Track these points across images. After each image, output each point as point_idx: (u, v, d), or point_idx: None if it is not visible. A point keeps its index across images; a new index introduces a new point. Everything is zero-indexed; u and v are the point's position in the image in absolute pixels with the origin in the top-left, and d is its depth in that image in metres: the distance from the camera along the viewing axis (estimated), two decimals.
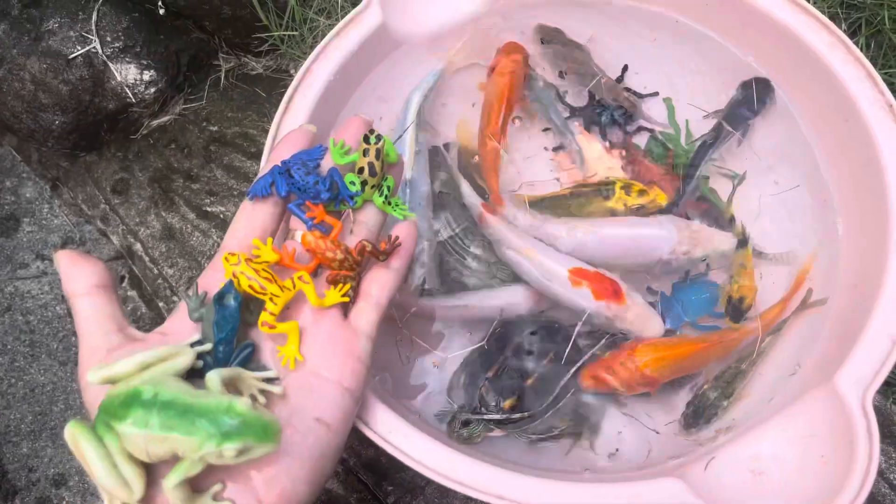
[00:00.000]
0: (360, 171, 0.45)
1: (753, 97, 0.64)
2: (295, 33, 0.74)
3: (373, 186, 0.45)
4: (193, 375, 0.39)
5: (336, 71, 0.60)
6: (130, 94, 0.73)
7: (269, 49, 0.76)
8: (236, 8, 0.72)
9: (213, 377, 0.37)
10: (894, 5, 0.78)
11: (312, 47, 0.59)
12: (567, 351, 0.58)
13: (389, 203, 0.47)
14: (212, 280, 0.43)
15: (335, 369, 0.42)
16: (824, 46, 0.59)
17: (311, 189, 0.44)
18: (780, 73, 0.64)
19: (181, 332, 0.41)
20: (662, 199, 0.62)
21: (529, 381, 0.57)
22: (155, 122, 0.78)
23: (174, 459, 0.35)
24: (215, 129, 0.79)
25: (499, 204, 0.62)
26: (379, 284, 0.45)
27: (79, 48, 0.72)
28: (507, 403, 0.56)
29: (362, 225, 0.46)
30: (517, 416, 0.56)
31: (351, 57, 0.61)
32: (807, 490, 0.48)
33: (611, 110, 0.67)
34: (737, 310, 0.59)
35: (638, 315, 0.58)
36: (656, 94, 0.68)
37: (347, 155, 0.46)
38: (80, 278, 0.41)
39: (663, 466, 0.53)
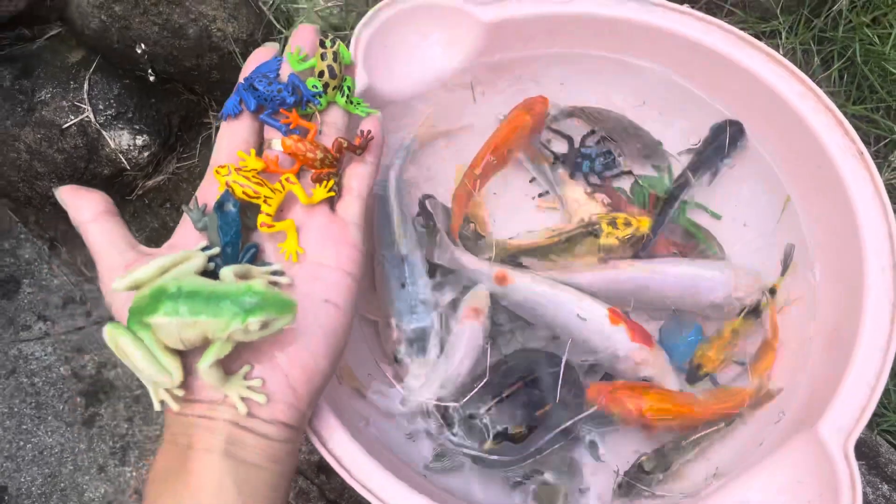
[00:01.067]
0: (321, 74, 0.47)
1: (725, 139, 0.66)
2: None
3: (334, 88, 0.48)
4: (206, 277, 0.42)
5: None
6: (124, 160, 0.75)
7: None
8: (225, 72, 0.74)
9: (227, 272, 0.41)
10: (865, 38, 0.81)
11: None
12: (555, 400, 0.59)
13: (352, 102, 0.50)
14: (208, 193, 0.46)
15: (333, 256, 0.45)
16: (795, 96, 0.61)
17: (276, 97, 0.47)
18: (753, 122, 0.66)
19: (188, 243, 0.45)
20: (646, 225, 0.64)
21: (518, 429, 0.58)
22: (149, 183, 0.80)
23: (205, 345, 0.39)
24: None
25: (454, 232, 0.65)
26: (358, 178, 0.49)
27: (72, 118, 0.73)
28: (487, 444, 0.57)
29: (331, 125, 0.49)
30: (494, 458, 0.57)
31: None
32: None
33: (592, 158, 0.69)
34: (692, 374, 0.61)
35: (662, 366, 0.60)
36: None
37: (305, 61, 0.49)
38: (86, 207, 0.44)
39: None
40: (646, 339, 0.60)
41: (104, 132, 0.74)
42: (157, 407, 0.41)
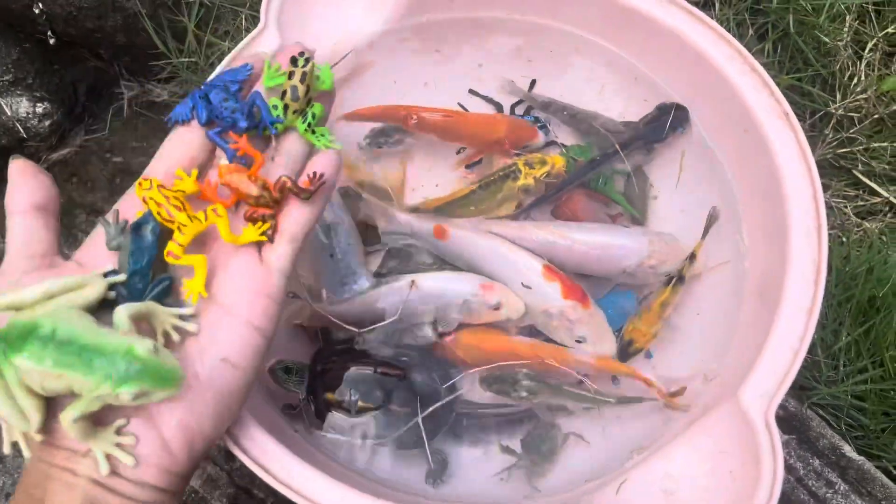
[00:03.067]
0: (283, 94, 0.43)
1: (667, 121, 0.64)
2: (193, 59, 0.71)
3: (295, 112, 0.43)
4: (106, 307, 0.38)
5: None
6: (22, 129, 0.70)
7: (171, 75, 0.73)
8: (131, 35, 0.69)
9: (121, 312, 0.36)
10: (799, 9, 0.80)
11: None
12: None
13: (314, 132, 0.44)
14: (132, 207, 0.41)
15: (245, 307, 0.40)
16: (723, 59, 0.59)
17: (227, 118, 0.42)
18: (680, 87, 0.64)
19: (96, 261, 0.40)
20: (560, 163, 0.63)
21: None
22: (54, 156, 0.75)
23: (73, 394, 0.35)
24: (119, 160, 0.76)
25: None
26: (293, 219, 0.43)
27: None
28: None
29: (284, 155, 0.44)
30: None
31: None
32: None
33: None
34: (623, 351, 0.59)
35: (598, 327, 0.58)
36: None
37: (278, 78, 0.44)
38: (22, 194, 0.40)
39: (576, 491, 0.53)
40: (581, 297, 0.58)
41: (0, 98, 0.69)
42: (5, 450, 0.37)
